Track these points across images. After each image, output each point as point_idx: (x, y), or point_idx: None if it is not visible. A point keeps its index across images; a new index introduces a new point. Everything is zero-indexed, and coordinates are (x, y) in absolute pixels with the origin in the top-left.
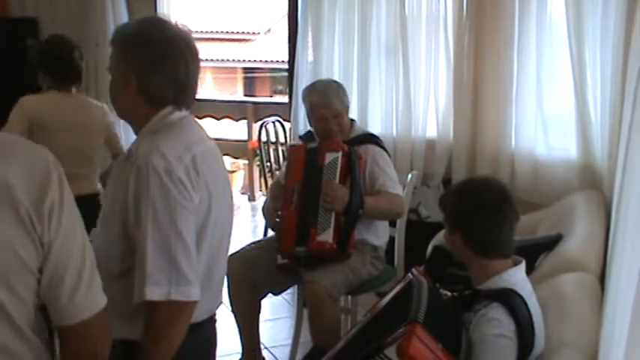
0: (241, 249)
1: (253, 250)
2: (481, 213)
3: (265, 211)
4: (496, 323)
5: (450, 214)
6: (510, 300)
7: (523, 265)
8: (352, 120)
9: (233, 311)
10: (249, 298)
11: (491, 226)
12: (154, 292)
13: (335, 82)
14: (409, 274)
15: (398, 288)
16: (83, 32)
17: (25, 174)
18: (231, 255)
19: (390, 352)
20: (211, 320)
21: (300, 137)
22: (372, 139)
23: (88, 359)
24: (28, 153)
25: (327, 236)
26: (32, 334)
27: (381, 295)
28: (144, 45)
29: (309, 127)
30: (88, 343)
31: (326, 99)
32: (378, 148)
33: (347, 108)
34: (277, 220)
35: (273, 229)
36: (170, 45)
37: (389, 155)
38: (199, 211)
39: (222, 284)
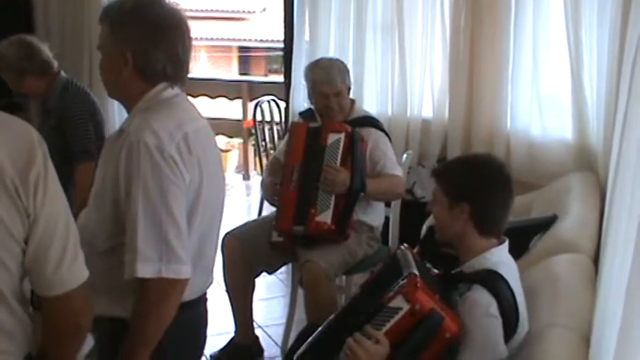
0: (238, 227)
1: (249, 228)
2: (498, 189)
3: (264, 186)
4: (479, 303)
5: (458, 185)
6: (491, 281)
7: (506, 245)
8: (353, 100)
9: (227, 289)
10: (243, 277)
11: (502, 204)
12: (145, 269)
13: (338, 60)
14: (396, 249)
15: (384, 261)
16: (77, 12)
17: (11, 147)
18: (228, 233)
19: (397, 302)
20: (202, 299)
21: (301, 114)
22: (373, 122)
23: (71, 330)
24: (13, 128)
25: (326, 217)
26: (17, 305)
27: None
28: (143, 21)
29: (306, 106)
30: (70, 314)
31: (328, 76)
32: (380, 132)
33: (348, 87)
34: (275, 197)
35: (270, 203)
36: (169, 21)
37: (389, 139)
38: (191, 189)
39: (214, 263)
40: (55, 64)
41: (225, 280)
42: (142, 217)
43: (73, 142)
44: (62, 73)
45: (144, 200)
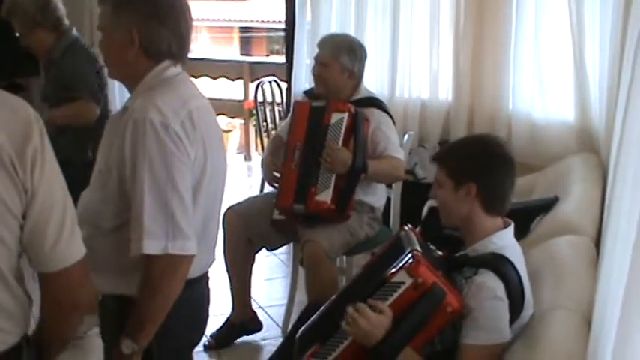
0: (239, 202)
1: (251, 203)
2: (502, 165)
3: (264, 165)
4: (486, 286)
5: (463, 165)
6: (499, 265)
7: (512, 228)
8: (358, 82)
9: (226, 264)
10: (243, 252)
11: (507, 180)
12: (152, 246)
13: (351, 41)
14: (400, 230)
15: (388, 242)
16: None
17: (8, 123)
18: (229, 208)
19: (399, 277)
20: (204, 277)
21: (305, 92)
22: (376, 102)
23: (69, 306)
24: (10, 105)
25: (326, 196)
26: (15, 283)
27: None
28: (150, 0)
29: (307, 86)
30: (68, 290)
31: (322, 44)
32: (383, 113)
33: (340, 66)
34: (276, 175)
35: (270, 184)
36: (172, 0)
37: (393, 120)
38: (196, 166)
39: (216, 241)
40: (67, 21)
41: (224, 256)
42: (148, 193)
43: (76, 89)
44: (73, 31)
45: (149, 177)
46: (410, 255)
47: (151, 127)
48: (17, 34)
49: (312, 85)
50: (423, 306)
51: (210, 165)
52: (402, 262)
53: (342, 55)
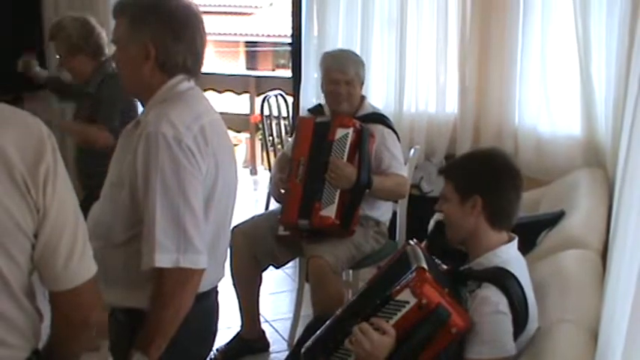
0: (245, 221)
1: (256, 222)
2: (508, 179)
3: (272, 182)
4: (489, 301)
5: (468, 178)
6: (502, 279)
7: (515, 242)
8: (363, 96)
9: (234, 283)
10: (250, 271)
11: (513, 194)
12: (163, 259)
13: (355, 53)
14: (406, 244)
15: (394, 255)
16: (85, 5)
17: (20, 142)
18: (235, 227)
19: (404, 295)
20: (214, 291)
21: (309, 110)
22: (381, 118)
23: (80, 324)
24: (22, 123)
25: (331, 212)
26: (26, 300)
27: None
28: (163, 15)
29: (314, 102)
30: (79, 308)
31: (341, 63)
32: (388, 129)
33: (361, 81)
34: (282, 191)
35: (277, 200)
36: (187, 15)
37: (397, 136)
38: (207, 180)
39: (227, 255)
40: (107, 51)
41: (232, 275)
42: (160, 207)
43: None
44: (110, 62)
45: (162, 191)
46: (415, 273)
47: (164, 141)
48: (57, 56)
49: (320, 100)
50: (426, 327)
51: (222, 179)
52: (407, 280)
53: (360, 69)
